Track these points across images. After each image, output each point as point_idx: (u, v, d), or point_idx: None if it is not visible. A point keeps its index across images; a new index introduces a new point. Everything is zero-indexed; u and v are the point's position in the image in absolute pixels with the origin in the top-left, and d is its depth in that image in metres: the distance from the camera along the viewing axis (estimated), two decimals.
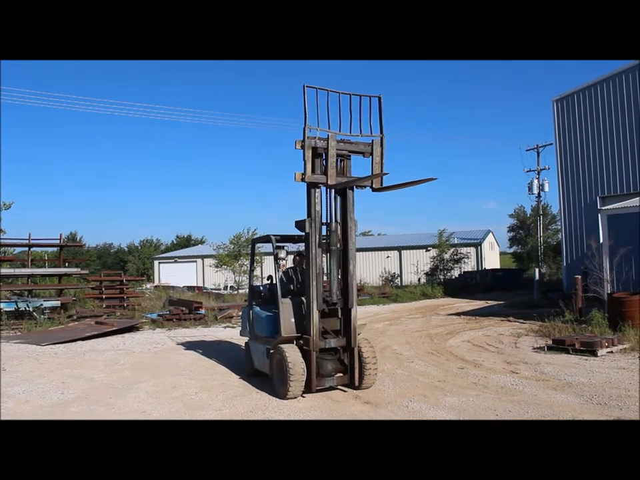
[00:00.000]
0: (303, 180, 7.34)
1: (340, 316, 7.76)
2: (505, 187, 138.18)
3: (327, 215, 7.72)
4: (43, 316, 17.06)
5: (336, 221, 7.70)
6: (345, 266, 7.70)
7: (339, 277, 7.75)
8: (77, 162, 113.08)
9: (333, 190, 7.68)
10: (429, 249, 40.49)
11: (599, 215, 17.32)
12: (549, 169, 38.49)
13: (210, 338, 14.17)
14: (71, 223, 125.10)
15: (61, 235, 21.88)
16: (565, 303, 14.30)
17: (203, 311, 18.28)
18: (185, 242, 74.90)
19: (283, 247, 8.34)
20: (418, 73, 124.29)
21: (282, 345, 7.58)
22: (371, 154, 7.70)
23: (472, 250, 41.82)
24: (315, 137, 7.34)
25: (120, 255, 74.51)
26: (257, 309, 8.85)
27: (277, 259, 8.17)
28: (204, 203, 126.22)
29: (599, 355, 10.06)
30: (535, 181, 39.31)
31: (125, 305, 20.15)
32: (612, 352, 10.33)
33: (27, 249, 21.41)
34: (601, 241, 16.16)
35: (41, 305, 17.56)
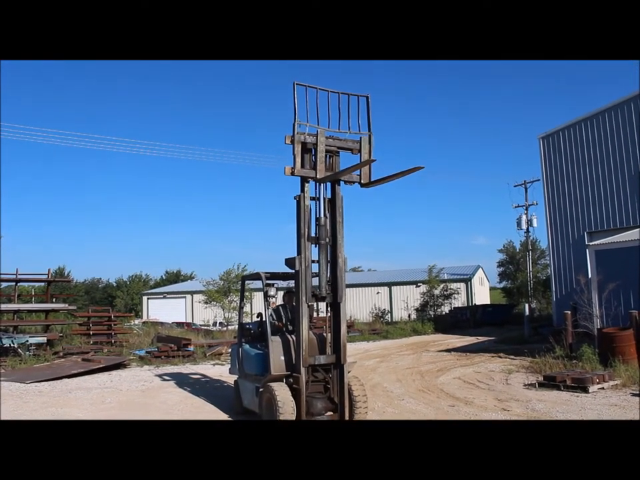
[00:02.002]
0: (292, 174, 7.42)
1: (330, 310, 7.76)
2: (494, 222, 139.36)
3: (316, 210, 7.79)
4: (28, 352, 16.77)
5: (325, 215, 7.74)
6: (334, 260, 7.68)
7: (328, 271, 7.70)
8: (65, 197, 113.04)
9: (322, 186, 7.76)
10: (419, 284, 40.55)
11: (587, 250, 17.44)
12: (537, 204, 38.87)
13: (198, 375, 13.97)
14: (60, 257, 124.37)
15: (49, 270, 21.71)
16: (555, 338, 14.29)
17: (191, 348, 18.07)
18: (175, 277, 74.59)
19: (273, 285, 8.32)
20: (405, 106, 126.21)
21: (271, 384, 7.47)
22: (360, 151, 7.81)
23: (462, 285, 41.94)
24: (305, 133, 7.46)
25: (108, 290, 74.01)
26: (247, 346, 8.75)
27: (266, 296, 8.13)
28: (194, 238, 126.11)
29: (590, 391, 10.00)
30: (524, 217, 39.60)
31: (113, 341, 19.87)
32: (603, 388, 10.28)
33: (13, 284, 21.19)
34: (590, 276, 16.24)
35: (27, 341, 17.28)
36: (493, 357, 16.52)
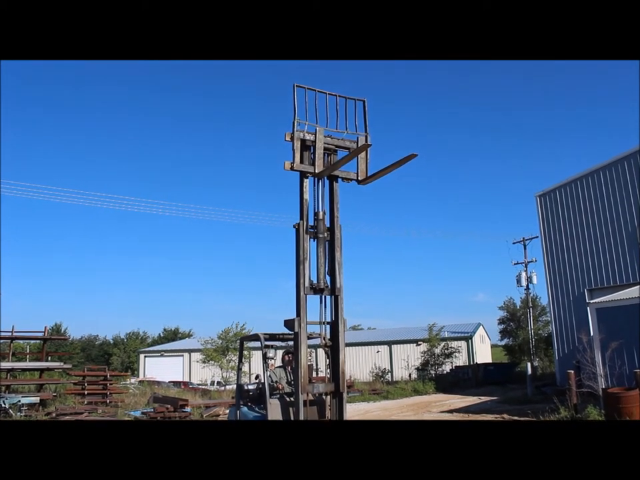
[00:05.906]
0: (291, 168, 7.54)
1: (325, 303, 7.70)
2: (494, 279, 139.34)
3: (314, 205, 7.88)
4: (19, 413, 16.38)
5: (323, 210, 7.82)
6: (332, 252, 7.72)
7: (326, 264, 7.68)
8: (64, 253, 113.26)
9: (320, 183, 7.88)
10: (419, 343, 40.10)
11: (588, 308, 17.31)
12: (536, 261, 38.74)
13: None
14: (57, 313, 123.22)
15: (45, 327, 21.58)
16: (559, 398, 13.98)
17: (188, 409, 17.69)
18: (172, 335, 73.85)
19: (272, 346, 8.21)
20: (403, 173, 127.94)
21: None
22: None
23: (463, 344, 41.49)
24: (304, 130, 7.65)
25: (105, 348, 73.09)
26: (245, 409, 8.54)
27: (265, 358, 8.01)
28: (193, 295, 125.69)
29: None
30: (523, 274, 39.42)
31: (108, 401, 19.50)
32: None
33: (9, 341, 20.94)
34: (592, 334, 16.06)
35: (19, 401, 16.92)
36: (495, 418, 16.14)
